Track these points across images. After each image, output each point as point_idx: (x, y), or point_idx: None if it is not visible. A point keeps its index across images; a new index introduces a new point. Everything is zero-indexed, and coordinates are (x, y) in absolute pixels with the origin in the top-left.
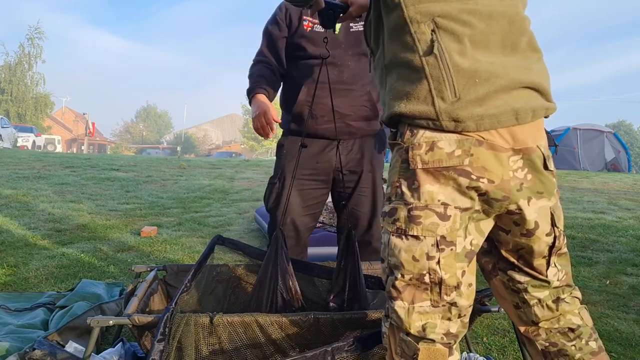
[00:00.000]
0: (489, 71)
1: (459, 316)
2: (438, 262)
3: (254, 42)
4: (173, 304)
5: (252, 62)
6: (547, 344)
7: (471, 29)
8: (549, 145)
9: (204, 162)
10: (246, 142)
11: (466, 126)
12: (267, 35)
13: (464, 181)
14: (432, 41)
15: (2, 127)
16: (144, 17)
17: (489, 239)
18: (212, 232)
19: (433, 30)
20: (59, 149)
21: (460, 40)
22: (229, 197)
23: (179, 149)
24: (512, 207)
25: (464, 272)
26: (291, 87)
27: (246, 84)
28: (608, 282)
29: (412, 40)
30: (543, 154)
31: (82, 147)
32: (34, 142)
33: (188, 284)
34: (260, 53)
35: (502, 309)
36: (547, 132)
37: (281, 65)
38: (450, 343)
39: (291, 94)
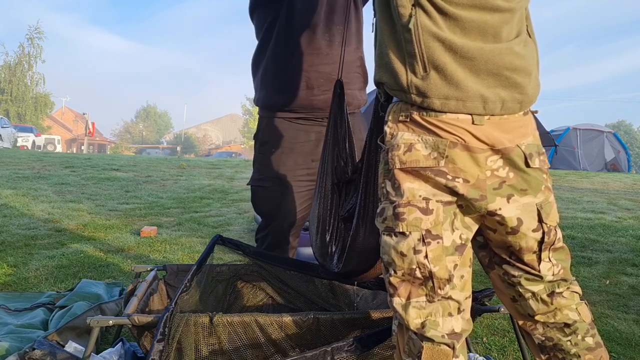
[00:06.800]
0: (461, 53)
1: (459, 310)
2: (426, 256)
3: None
4: (173, 304)
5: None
6: (544, 338)
7: (449, 13)
8: (548, 145)
9: (204, 162)
10: (246, 142)
11: (431, 103)
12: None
13: (441, 180)
14: (410, 16)
15: (2, 127)
16: (144, 17)
17: (482, 234)
18: (212, 232)
19: (413, 5)
20: (59, 149)
21: (436, 21)
22: (229, 197)
23: (179, 149)
24: (492, 206)
25: (455, 266)
26: (277, 53)
27: (245, 84)
28: (608, 282)
29: (394, 12)
30: (524, 153)
31: (82, 147)
32: (33, 142)
33: (188, 284)
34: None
35: (502, 307)
36: (547, 132)
37: None
38: (453, 343)
39: (278, 62)
